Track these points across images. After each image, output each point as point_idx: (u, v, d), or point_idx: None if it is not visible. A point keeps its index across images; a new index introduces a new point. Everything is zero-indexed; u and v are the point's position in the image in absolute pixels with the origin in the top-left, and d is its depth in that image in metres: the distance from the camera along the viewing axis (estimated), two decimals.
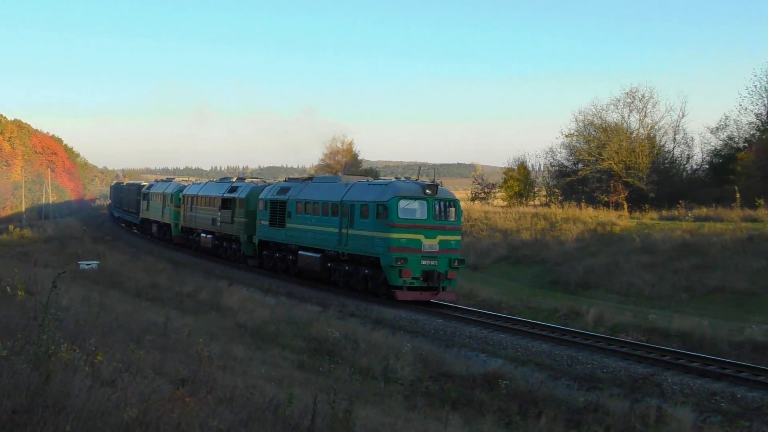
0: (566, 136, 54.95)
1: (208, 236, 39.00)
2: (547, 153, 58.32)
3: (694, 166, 52.67)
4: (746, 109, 48.14)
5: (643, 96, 51.72)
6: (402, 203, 22.77)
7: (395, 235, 22.69)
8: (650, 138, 51.41)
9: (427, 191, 23.10)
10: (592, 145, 52.09)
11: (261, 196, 32.27)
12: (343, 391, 10.42)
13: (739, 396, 13.72)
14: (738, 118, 49.84)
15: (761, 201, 36.00)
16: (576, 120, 54.44)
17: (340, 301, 24.47)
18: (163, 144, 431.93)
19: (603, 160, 49.90)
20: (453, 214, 23.66)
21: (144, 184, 58.83)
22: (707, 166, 51.06)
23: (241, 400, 9.76)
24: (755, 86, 46.71)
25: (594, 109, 53.53)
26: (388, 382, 14.54)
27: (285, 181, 34.39)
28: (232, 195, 35.68)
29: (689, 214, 37.04)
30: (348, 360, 15.71)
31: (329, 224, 26.02)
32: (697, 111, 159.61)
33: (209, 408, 8.47)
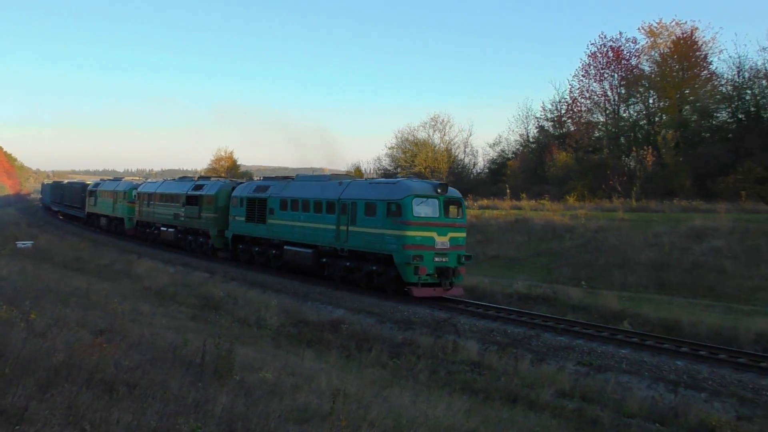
0: (389, 148, 74.88)
1: (170, 230, 41.51)
2: (375, 160, 77.32)
3: (479, 170, 73.43)
4: (513, 130, 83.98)
5: (443, 120, 73.04)
6: (416, 202, 23.00)
7: (411, 233, 22.81)
8: (448, 150, 71.72)
9: (438, 190, 23.50)
10: (407, 155, 71.72)
11: (235, 193, 33.63)
12: (226, 335, 12.85)
13: (509, 331, 19.22)
14: (507, 137, 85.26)
15: (524, 195, 51.07)
16: (396, 137, 75.72)
17: (224, 269, 31.17)
18: (85, 149, 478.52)
19: (415, 165, 67.79)
20: (460, 212, 24.02)
21: (88, 183, 65.25)
22: (487, 170, 71.30)
23: (148, 344, 11.83)
24: (519, 115, 79.43)
25: (408, 129, 74.52)
26: (260, 328, 18.71)
27: (261, 180, 35.71)
28: (198, 192, 37.55)
29: (475, 204, 49.57)
30: (230, 312, 20.16)
31: (323, 221, 26.47)
32: (480, 131, 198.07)
33: (122, 351, 10.22)
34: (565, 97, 64.75)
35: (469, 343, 18.12)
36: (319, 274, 27.74)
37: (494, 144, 73.48)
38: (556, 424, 11.61)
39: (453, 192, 24.20)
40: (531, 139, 68.23)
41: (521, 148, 68.31)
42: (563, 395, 13.83)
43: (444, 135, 73.09)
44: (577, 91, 62.52)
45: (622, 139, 58.56)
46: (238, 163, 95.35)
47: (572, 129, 62.07)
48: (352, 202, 25.15)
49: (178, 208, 40.38)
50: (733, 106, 52.46)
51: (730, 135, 50.21)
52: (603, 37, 74.70)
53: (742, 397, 13.76)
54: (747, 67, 52.23)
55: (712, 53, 57.26)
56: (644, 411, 13.12)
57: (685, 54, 55.34)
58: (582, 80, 62.13)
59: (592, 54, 61.31)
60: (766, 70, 50.88)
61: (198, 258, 36.32)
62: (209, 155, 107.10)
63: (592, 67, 61.37)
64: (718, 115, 53.80)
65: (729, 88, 53.19)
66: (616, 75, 60.54)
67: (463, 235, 23.97)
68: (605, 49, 60.63)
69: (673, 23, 57.96)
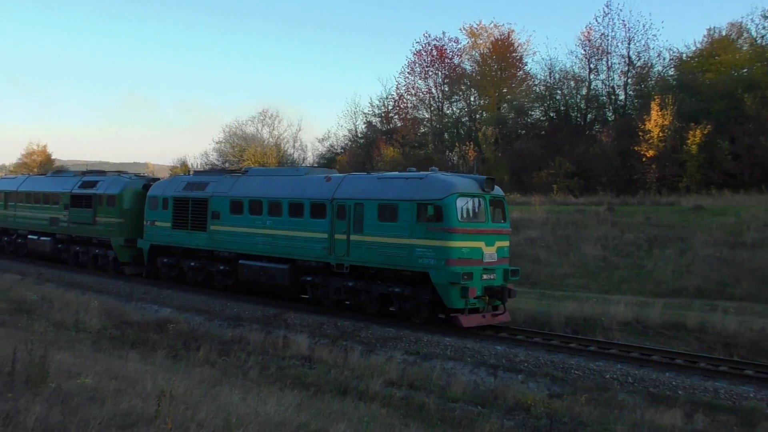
0: (216, 143, 73.36)
1: (45, 239, 32.70)
2: (202, 155, 75.76)
3: (308, 165, 72.51)
4: (342, 125, 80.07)
5: (272, 114, 73.45)
6: (460, 202, 18.08)
7: (456, 244, 17.77)
8: (277, 145, 71.91)
9: (486, 187, 18.66)
10: (236, 149, 70.76)
11: (153, 192, 26.62)
12: (40, 341, 11.74)
13: (339, 324, 19.50)
14: (336, 132, 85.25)
15: None
16: (224, 131, 74.47)
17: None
18: None
19: (244, 160, 66.05)
20: (503, 214, 19.40)
21: None
22: (316, 165, 68.69)
23: None
24: (348, 110, 78.23)
25: (237, 123, 73.88)
26: (78, 331, 17.61)
27: (193, 174, 28.76)
28: (91, 191, 29.97)
29: None
30: (45, 316, 18.76)
31: (306, 228, 20.89)
32: (310, 126, 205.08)
33: None
34: (392, 93, 66.55)
35: (300, 337, 18.27)
36: (295, 296, 22.28)
37: (323, 139, 74.13)
38: (386, 412, 11.92)
39: (497, 189, 19.41)
40: (359, 135, 69.46)
41: (350, 143, 69.36)
42: (392, 384, 14.25)
43: (273, 130, 73.64)
44: (404, 88, 64.51)
45: (446, 135, 61.13)
46: (53, 157, 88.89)
47: (399, 125, 63.91)
48: (355, 203, 19.70)
49: (57, 211, 31.98)
50: (545, 105, 56.48)
51: (543, 132, 53.89)
52: (428, 35, 78.10)
53: (554, 377, 14.87)
54: (557, 68, 56.46)
55: (526, 55, 61.50)
56: (467, 395, 13.79)
57: (502, 55, 58.70)
58: (408, 77, 64.18)
59: (417, 52, 63.45)
60: (573, 72, 55.23)
61: (90, 274, 29.22)
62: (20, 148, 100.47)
63: (417, 64, 63.52)
64: (533, 113, 57.75)
65: (542, 88, 57.26)
66: (440, 73, 63.02)
67: (508, 244, 19.40)
68: (430, 48, 62.95)
69: (492, 25, 61.28)
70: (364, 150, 63.86)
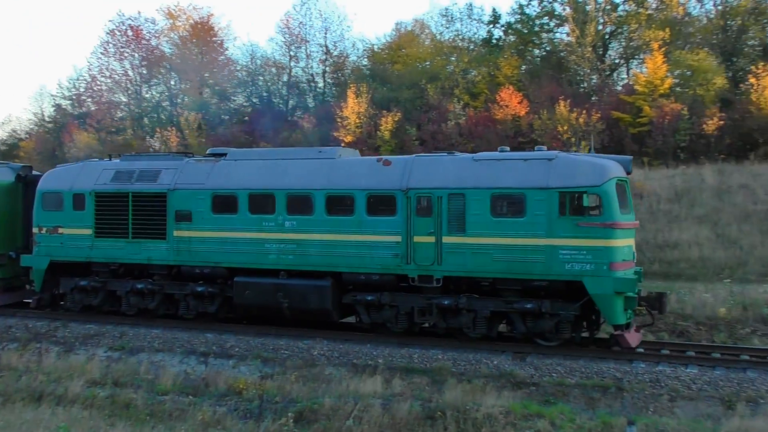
0: None
1: None
2: None
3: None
4: (26, 109, 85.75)
5: None
6: (617, 189, 14.52)
7: (619, 243, 14.35)
8: None
9: (630, 170, 15.44)
10: None
11: (55, 186, 18.94)
12: None
13: (30, 325, 17.93)
14: (20, 116, 78.67)
15: None
16: None
17: None
18: None
19: None
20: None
21: None
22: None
23: None
24: (33, 93, 69.99)
25: None
26: None
27: (120, 159, 19.43)
28: None
29: None
30: None
31: (366, 229, 15.82)
32: None
33: None
34: (84, 75, 61.97)
35: None
36: (330, 323, 16.95)
37: (3, 123, 66.93)
38: (88, 414, 11.22)
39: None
40: (47, 119, 63.74)
41: (36, 127, 63.50)
42: (95, 384, 13.43)
43: None
44: (97, 69, 60.28)
45: (146, 120, 58.54)
46: None
47: (93, 108, 59.80)
48: (449, 193, 15.25)
49: None
50: (247, 90, 56.66)
51: (246, 118, 54.08)
52: (121, 14, 73.59)
53: (265, 358, 15.12)
54: (259, 55, 56.95)
55: (228, 39, 60.90)
56: (177, 386, 13.49)
57: (203, 38, 57.59)
58: (101, 58, 60.06)
59: (111, 31, 59.63)
60: (274, 59, 56.13)
61: None
62: None
63: (111, 45, 59.72)
64: (235, 98, 57.63)
65: (244, 73, 57.27)
66: (136, 55, 59.99)
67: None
68: (124, 28, 59.56)
69: (191, 7, 59.76)
70: (54, 135, 58.79)
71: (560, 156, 15.11)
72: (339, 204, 16.15)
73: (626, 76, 46.92)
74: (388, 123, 41.86)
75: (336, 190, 16.23)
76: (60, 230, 18.70)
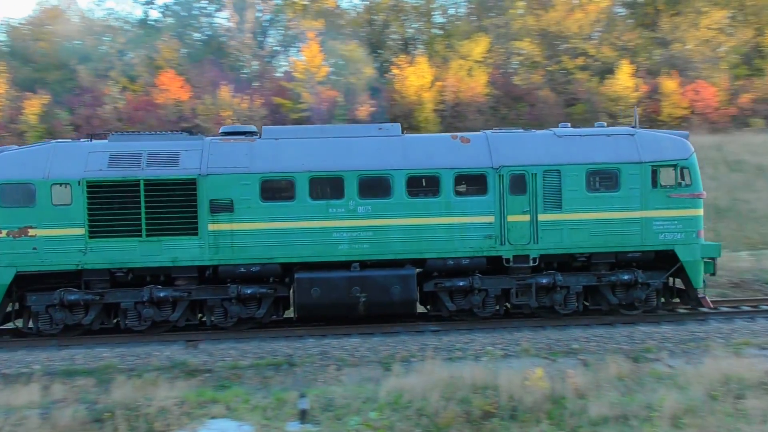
0: None
1: None
2: None
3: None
4: None
5: None
6: None
7: (702, 212, 15.63)
8: None
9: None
10: None
11: (19, 175, 14.42)
12: None
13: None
14: None
15: None
16: None
17: None
18: None
19: None
20: None
21: None
22: None
23: None
24: None
25: None
26: None
27: (110, 138, 15.24)
28: None
29: None
30: None
31: (455, 210, 14.93)
32: None
33: None
34: None
35: None
36: (409, 313, 15.49)
37: None
38: None
39: None
40: None
41: None
42: None
43: None
44: None
45: None
46: None
47: None
48: (544, 170, 15.19)
49: None
50: None
51: None
52: None
53: None
54: None
55: None
56: None
57: None
58: None
59: None
60: None
61: None
62: None
63: None
64: None
65: None
66: None
67: None
68: None
69: None
70: None
71: (639, 132, 15.89)
72: (421, 185, 15.14)
73: (286, 63, 48.50)
74: (34, 106, 37.99)
75: (418, 170, 15.08)
76: (31, 232, 14.46)
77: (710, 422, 9.93)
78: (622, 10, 48.37)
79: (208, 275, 15.03)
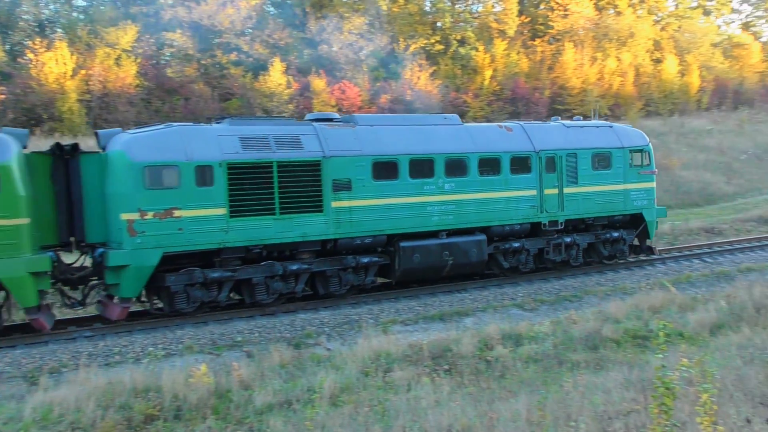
0: None
1: None
2: None
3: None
4: None
5: None
6: None
7: (655, 185, 21.27)
8: None
9: None
10: None
11: (161, 157, 14.46)
12: None
13: None
14: None
15: None
16: None
17: None
18: None
19: None
20: None
21: None
22: None
23: None
24: None
25: None
26: None
27: (229, 122, 16.10)
28: None
29: None
30: None
31: (511, 186, 18.47)
32: None
33: None
34: None
35: None
36: (480, 271, 18.93)
37: None
38: None
39: None
40: None
41: None
42: None
43: None
44: None
45: None
46: None
47: None
48: (569, 154, 19.37)
49: None
50: None
51: None
52: None
53: None
54: None
55: None
56: None
57: None
58: None
59: None
60: None
61: None
62: None
63: None
64: None
65: None
66: None
67: None
68: None
69: None
70: None
71: (614, 125, 21.03)
72: (488, 165, 18.13)
73: None
74: None
75: (486, 153, 18.12)
76: (176, 213, 14.52)
77: (364, 397, 10.57)
78: (272, 9, 49.85)
79: (330, 248, 16.38)
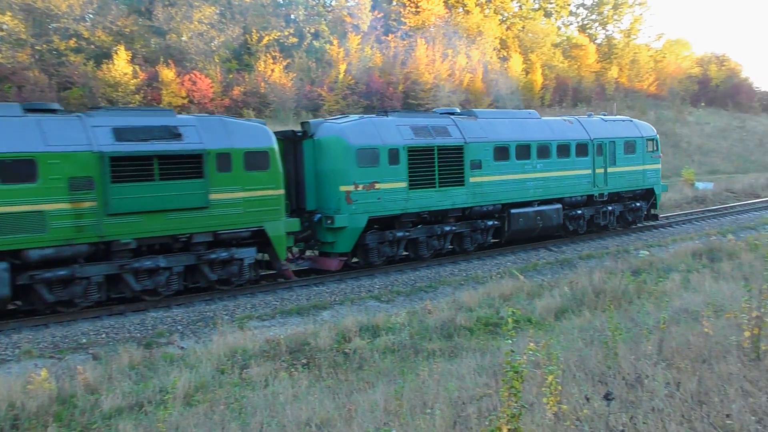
0: None
1: None
2: None
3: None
4: None
5: None
6: None
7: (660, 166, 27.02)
8: None
9: None
10: None
11: (367, 142, 18.78)
12: None
13: None
14: None
15: None
16: None
17: None
18: None
19: None
20: None
21: None
22: None
23: None
24: None
25: None
26: None
27: (403, 113, 22.21)
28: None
29: None
30: None
31: (576, 167, 23.52)
32: None
33: None
34: None
35: None
36: (556, 234, 24.24)
37: None
38: None
39: None
40: None
41: None
42: None
43: None
44: None
45: None
46: None
47: None
48: (610, 141, 24.53)
49: None
50: None
51: None
52: None
53: None
54: None
55: None
56: None
57: None
58: None
59: None
60: None
61: None
62: None
63: None
64: None
65: None
66: None
67: None
68: None
69: None
70: None
71: (632, 119, 26.50)
72: (563, 150, 23.01)
73: None
74: None
75: (561, 140, 23.01)
76: (377, 186, 18.79)
77: (220, 395, 10.26)
78: None
79: (467, 214, 20.86)
